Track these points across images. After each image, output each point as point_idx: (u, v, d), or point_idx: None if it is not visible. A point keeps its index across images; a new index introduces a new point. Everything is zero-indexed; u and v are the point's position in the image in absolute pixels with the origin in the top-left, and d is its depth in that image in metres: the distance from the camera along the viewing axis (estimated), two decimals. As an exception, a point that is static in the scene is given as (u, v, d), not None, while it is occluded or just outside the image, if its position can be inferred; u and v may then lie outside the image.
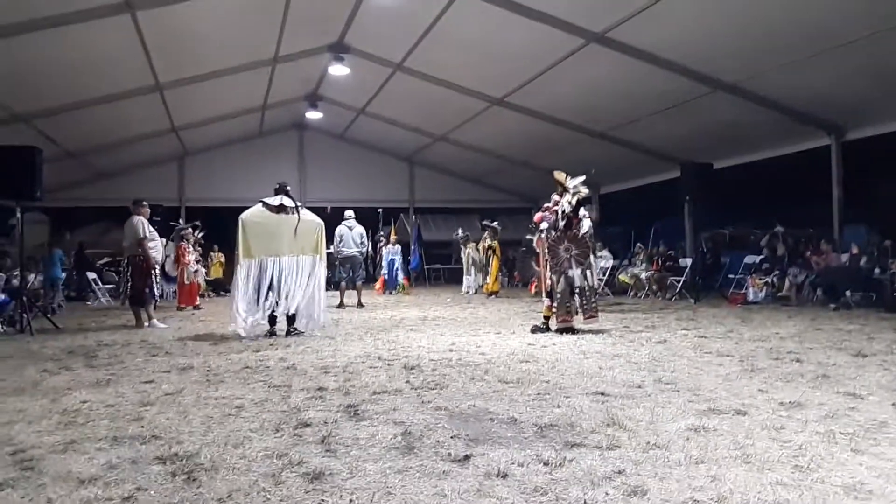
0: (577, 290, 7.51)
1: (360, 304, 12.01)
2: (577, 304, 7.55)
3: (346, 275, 12.31)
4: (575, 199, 7.55)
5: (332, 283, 10.69)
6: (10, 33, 8.91)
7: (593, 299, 7.67)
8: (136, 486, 2.60)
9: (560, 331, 7.44)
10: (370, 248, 15.73)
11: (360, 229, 12.39)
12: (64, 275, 14.78)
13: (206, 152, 19.33)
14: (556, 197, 7.85)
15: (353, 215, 12.44)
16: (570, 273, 7.47)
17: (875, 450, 2.90)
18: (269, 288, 7.54)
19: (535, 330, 7.65)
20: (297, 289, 7.60)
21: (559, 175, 7.77)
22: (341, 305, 12.02)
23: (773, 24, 8.87)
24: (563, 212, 7.57)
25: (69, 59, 10.37)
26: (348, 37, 12.47)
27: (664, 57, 10.37)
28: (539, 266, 8.28)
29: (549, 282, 7.64)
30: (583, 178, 7.62)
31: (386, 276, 16.21)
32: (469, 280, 16.28)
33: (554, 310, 7.60)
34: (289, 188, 7.98)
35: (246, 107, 16.21)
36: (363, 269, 12.91)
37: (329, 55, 13.01)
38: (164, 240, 10.97)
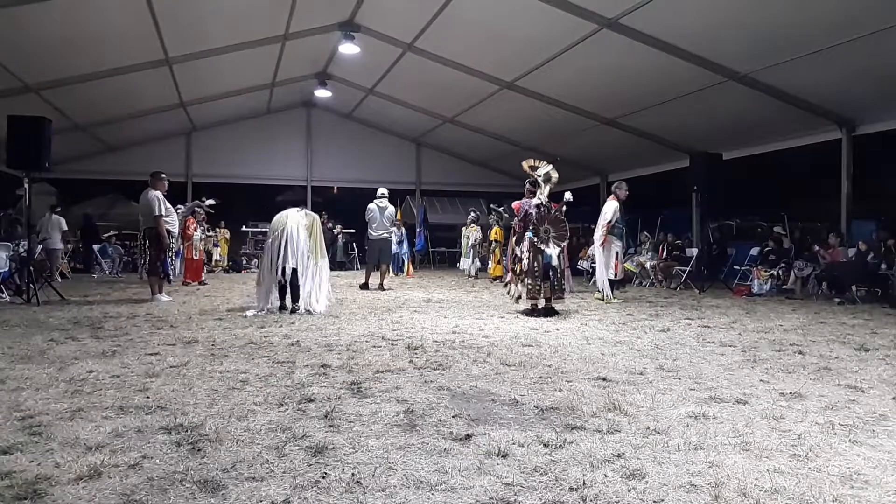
0: (551, 271, 7.82)
1: (381, 287, 11.63)
2: (548, 285, 7.86)
3: (375, 258, 11.82)
4: (548, 187, 8.05)
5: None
6: (21, 1, 8.88)
7: (563, 280, 8.02)
8: (142, 455, 2.64)
9: (528, 312, 7.79)
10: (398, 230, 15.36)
11: (391, 209, 12.09)
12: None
13: (213, 128, 19.26)
14: (530, 185, 8.29)
15: (387, 193, 12.10)
16: (549, 252, 7.73)
17: (873, 441, 2.91)
18: (281, 260, 7.72)
19: (537, 313, 7.72)
20: (292, 257, 7.73)
21: (527, 163, 8.29)
22: (365, 286, 11.86)
23: (787, 15, 8.76)
24: (542, 203, 7.95)
25: (80, 31, 10.34)
26: (359, 15, 12.38)
27: (677, 45, 10.25)
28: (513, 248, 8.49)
29: (524, 263, 7.82)
30: (549, 166, 8.16)
31: None
32: (466, 262, 16.31)
33: (528, 287, 7.83)
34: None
35: (255, 83, 16.14)
36: (391, 253, 12.57)
37: (339, 33, 12.92)
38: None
